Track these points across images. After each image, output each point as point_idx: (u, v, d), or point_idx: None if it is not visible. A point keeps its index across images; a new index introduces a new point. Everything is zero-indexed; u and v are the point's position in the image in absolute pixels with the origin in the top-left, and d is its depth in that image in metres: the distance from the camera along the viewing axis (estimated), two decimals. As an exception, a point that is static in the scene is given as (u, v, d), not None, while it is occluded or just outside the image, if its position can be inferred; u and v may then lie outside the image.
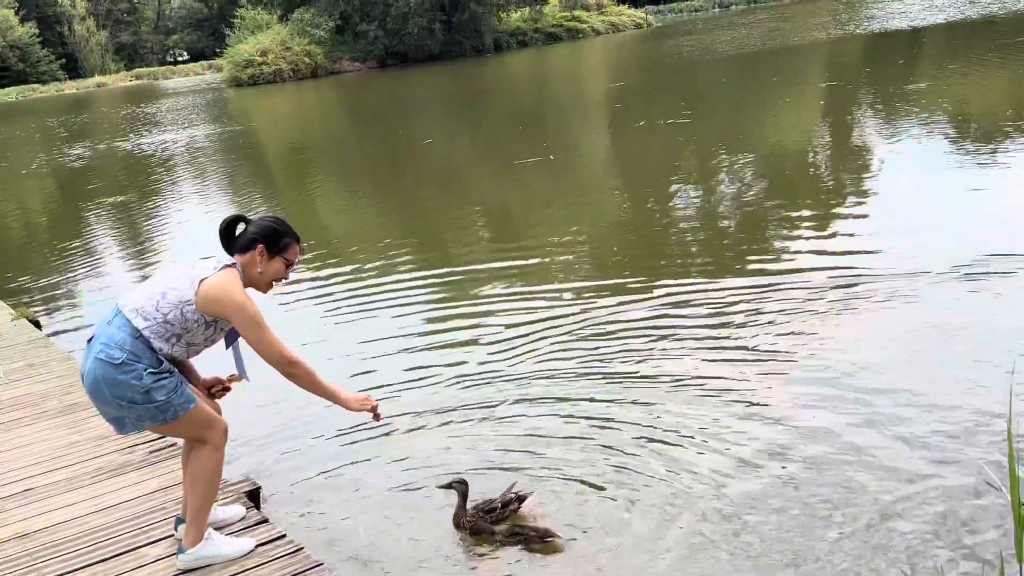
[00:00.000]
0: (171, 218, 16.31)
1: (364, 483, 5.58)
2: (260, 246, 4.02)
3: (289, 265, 4.12)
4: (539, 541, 4.69)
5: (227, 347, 4.17)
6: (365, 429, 6.19)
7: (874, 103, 19.29)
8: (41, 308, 10.50)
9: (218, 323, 3.99)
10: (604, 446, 5.69)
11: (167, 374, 3.89)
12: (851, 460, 5.24)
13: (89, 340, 3.99)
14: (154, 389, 3.84)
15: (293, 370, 3.98)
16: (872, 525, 4.60)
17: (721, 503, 4.94)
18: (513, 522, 4.83)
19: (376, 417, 4.27)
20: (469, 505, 4.91)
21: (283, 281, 4.18)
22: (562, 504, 5.10)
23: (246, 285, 4.04)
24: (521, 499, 4.91)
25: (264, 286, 4.12)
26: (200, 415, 3.98)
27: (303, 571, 4.00)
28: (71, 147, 31.32)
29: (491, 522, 4.80)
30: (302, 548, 4.21)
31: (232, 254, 4.07)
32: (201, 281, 3.89)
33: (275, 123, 34.49)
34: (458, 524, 4.88)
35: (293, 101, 44.89)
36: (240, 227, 4.13)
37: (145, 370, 3.82)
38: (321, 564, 4.06)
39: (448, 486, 4.96)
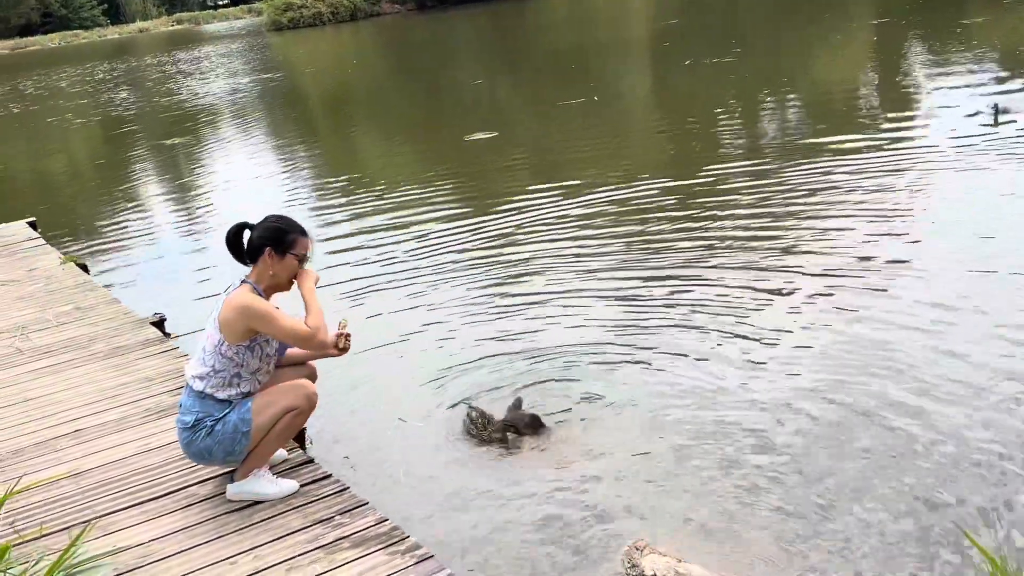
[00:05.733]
0: (215, 163, 16.39)
1: (405, 424, 5.61)
2: (268, 249, 4.06)
3: (302, 259, 4.13)
4: (530, 429, 5.22)
5: (280, 355, 4.28)
6: (405, 372, 6.24)
7: (927, 39, 18.75)
8: (88, 252, 10.63)
9: (256, 340, 4.06)
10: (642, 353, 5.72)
11: (227, 413, 4.04)
12: (893, 395, 5.17)
13: None
14: (216, 432, 4.01)
15: (320, 335, 4.02)
16: (921, 469, 4.53)
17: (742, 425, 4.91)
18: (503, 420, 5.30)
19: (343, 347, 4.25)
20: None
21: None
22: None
23: (269, 290, 4.10)
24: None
25: (285, 285, 4.16)
26: (261, 409, 4.04)
27: (348, 510, 4.02)
28: (114, 93, 31.53)
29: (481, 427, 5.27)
30: (347, 488, 4.23)
31: (245, 262, 4.15)
32: (218, 316, 4.01)
33: (318, 67, 34.40)
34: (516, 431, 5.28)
35: (334, 45, 44.73)
36: (247, 234, 4.15)
37: (215, 422, 4.01)
38: (367, 503, 4.08)
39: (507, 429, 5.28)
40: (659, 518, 4.38)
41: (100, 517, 4.15)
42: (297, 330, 4.00)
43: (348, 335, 4.27)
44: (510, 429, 5.24)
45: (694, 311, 6.68)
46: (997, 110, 10.23)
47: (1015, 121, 9.44)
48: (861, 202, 8.59)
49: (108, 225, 12.28)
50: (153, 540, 3.94)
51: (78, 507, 4.28)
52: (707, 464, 4.79)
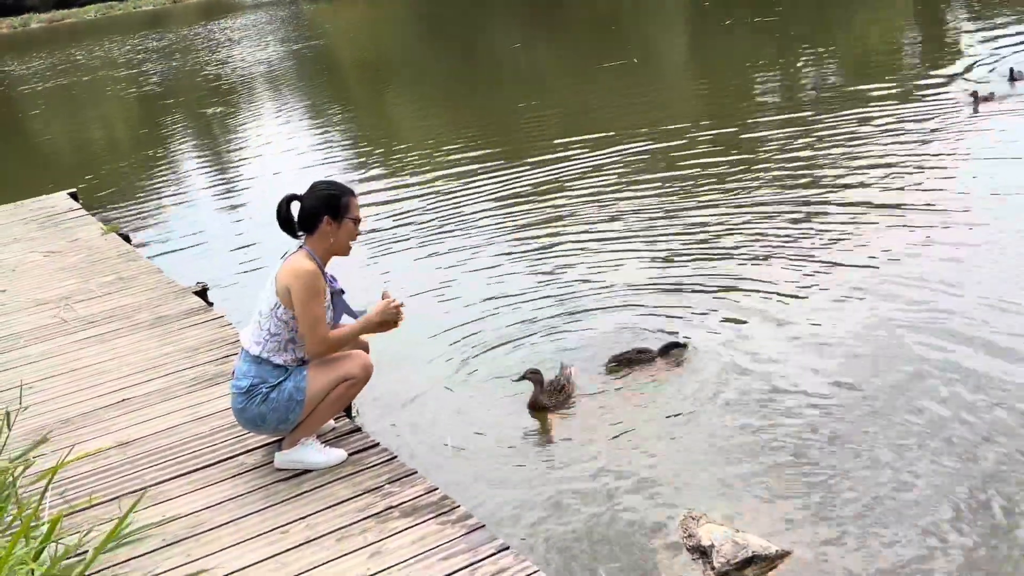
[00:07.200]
0: (252, 132, 16.36)
1: (451, 392, 5.56)
2: (326, 217, 4.00)
3: (357, 221, 4.08)
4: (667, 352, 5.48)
5: (335, 322, 4.19)
6: (449, 344, 6.17)
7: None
8: (129, 222, 10.66)
9: None
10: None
11: (283, 380, 4.01)
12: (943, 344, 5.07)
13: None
14: (271, 399, 3.98)
15: (322, 348, 3.97)
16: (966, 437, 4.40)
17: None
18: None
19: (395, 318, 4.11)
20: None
21: (359, 236, 4.15)
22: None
23: (326, 255, 4.05)
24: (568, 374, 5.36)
25: (344, 250, 4.11)
26: (317, 377, 4.02)
27: (397, 478, 3.97)
28: (152, 64, 31.60)
29: (563, 398, 5.20)
30: (395, 456, 4.18)
31: (294, 234, 4.08)
32: (275, 279, 3.96)
33: (356, 35, 34.23)
34: (536, 406, 5.18)
35: (370, 12, 44.45)
36: (295, 205, 4.07)
37: (270, 389, 3.98)
38: (415, 472, 4.03)
39: (523, 378, 5.22)
40: (712, 486, 4.28)
41: (149, 487, 4.14)
42: (316, 329, 3.92)
43: (400, 305, 4.15)
44: (644, 356, 5.44)
45: (743, 255, 6.70)
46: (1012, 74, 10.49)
47: None
48: (900, 153, 8.56)
49: (147, 195, 12.31)
50: (203, 510, 3.92)
51: (127, 477, 4.27)
52: (765, 431, 4.67)
